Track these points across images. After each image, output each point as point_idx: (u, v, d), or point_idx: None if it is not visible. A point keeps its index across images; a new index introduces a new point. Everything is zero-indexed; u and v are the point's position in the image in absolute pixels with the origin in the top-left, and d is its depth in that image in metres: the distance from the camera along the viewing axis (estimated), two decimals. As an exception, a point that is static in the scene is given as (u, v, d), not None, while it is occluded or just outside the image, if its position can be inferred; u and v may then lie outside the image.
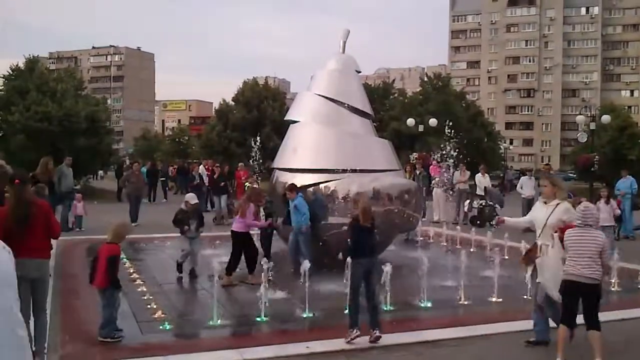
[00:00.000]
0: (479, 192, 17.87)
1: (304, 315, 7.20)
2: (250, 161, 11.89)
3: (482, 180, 18.15)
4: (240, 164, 22.78)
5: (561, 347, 5.55)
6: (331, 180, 10.28)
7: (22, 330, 2.26)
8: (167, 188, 29.10)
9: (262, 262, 7.53)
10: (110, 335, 6.10)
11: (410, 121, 34.25)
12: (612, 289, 8.81)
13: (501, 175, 42.39)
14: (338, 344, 6.11)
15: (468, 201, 17.76)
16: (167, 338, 6.36)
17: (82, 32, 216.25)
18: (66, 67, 44.88)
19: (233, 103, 39.16)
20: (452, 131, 19.09)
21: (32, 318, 5.42)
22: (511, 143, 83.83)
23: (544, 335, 6.19)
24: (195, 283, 9.20)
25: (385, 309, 7.29)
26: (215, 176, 18.83)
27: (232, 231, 9.31)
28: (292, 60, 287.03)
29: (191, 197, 9.86)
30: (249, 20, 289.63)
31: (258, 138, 12.05)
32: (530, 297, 8.39)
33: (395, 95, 49.94)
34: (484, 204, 17.18)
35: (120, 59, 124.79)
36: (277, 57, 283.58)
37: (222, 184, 18.06)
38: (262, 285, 7.03)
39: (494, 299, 8.23)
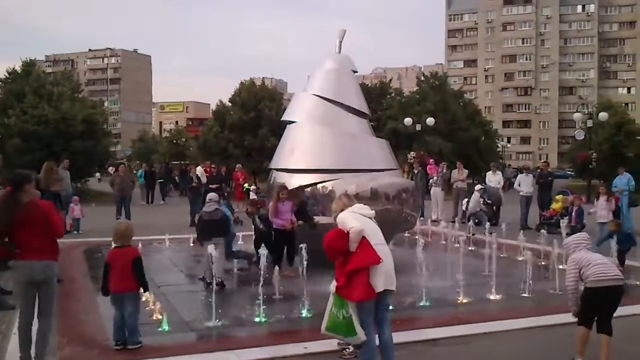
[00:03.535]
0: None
1: (302, 316, 7.17)
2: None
3: (493, 178, 18.17)
4: (238, 165, 22.71)
5: (582, 347, 5.53)
6: (328, 180, 10.25)
7: None
8: (165, 190, 29.00)
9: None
10: (139, 341, 6.00)
11: (408, 120, 34.24)
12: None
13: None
14: (336, 344, 6.07)
15: (466, 199, 17.76)
16: (165, 340, 6.33)
17: (78, 35, 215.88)
18: (63, 70, 44.87)
19: (230, 104, 39.09)
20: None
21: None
22: (509, 141, 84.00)
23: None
24: (194, 284, 9.17)
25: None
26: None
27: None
28: (289, 60, 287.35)
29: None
30: (246, 22, 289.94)
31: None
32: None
33: (393, 94, 49.88)
34: (482, 202, 17.17)
35: (117, 61, 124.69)
36: (274, 58, 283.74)
37: (216, 186, 17.35)
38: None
39: (492, 297, 8.22)
